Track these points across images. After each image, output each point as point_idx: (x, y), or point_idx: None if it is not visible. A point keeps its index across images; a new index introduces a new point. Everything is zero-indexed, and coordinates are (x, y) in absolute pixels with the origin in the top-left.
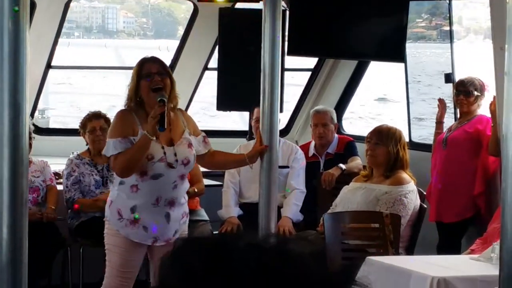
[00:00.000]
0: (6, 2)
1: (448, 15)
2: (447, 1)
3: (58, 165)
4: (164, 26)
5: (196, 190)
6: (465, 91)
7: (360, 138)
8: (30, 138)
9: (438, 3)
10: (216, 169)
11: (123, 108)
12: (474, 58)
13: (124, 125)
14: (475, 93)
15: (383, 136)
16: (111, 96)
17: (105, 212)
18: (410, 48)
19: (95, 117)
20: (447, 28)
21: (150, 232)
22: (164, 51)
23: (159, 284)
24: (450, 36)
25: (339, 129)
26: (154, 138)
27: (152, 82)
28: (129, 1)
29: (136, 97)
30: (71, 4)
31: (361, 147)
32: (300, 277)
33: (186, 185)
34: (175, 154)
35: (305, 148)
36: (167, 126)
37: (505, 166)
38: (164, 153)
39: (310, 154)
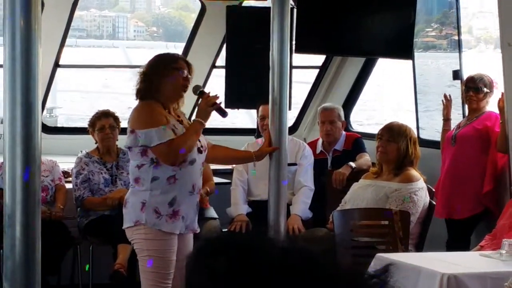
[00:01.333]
0: (18, 2)
1: (456, 23)
2: (455, 9)
3: (66, 163)
4: (175, 35)
5: (208, 189)
6: (475, 87)
7: (366, 135)
8: None
9: (447, 13)
10: (216, 163)
11: (142, 101)
12: (484, 67)
13: (159, 114)
14: (485, 89)
15: (395, 133)
16: (119, 94)
17: (133, 218)
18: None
19: (104, 115)
20: (457, 37)
21: (185, 221)
22: (172, 49)
23: (186, 282)
24: (458, 45)
25: (347, 126)
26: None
27: (185, 79)
28: (139, 10)
29: (158, 90)
30: (82, 13)
31: (368, 144)
32: (325, 279)
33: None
34: (199, 140)
35: (312, 145)
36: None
37: None
38: None
39: (318, 151)
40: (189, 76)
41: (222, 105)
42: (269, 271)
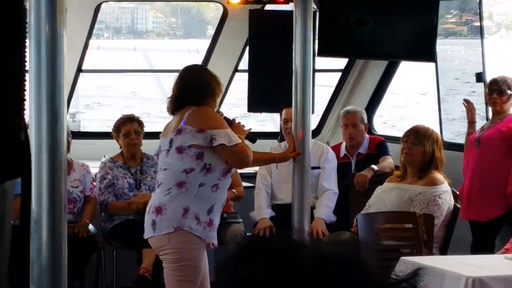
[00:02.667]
0: (43, 8)
1: (478, 10)
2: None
3: (90, 168)
4: (194, 26)
5: (236, 193)
6: (499, 90)
7: (390, 138)
8: (67, 139)
9: None
10: None
11: (205, 105)
12: (506, 54)
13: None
14: (508, 91)
15: (421, 136)
16: (141, 99)
17: (173, 223)
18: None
19: (129, 120)
20: (478, 23)
21: (216, 231)
22: (194, 53)
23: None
24: (480, 32)
25: (370, 129)
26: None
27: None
28: (158, 1)
29: (214, 95)
30: (101, 5)
31: (392, 147)
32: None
33: None
34: None
35: (336, 148)
36: None
37: None
38: None
39: (342, 154)
40: None
41: (237, 106)
42: (307, 277)
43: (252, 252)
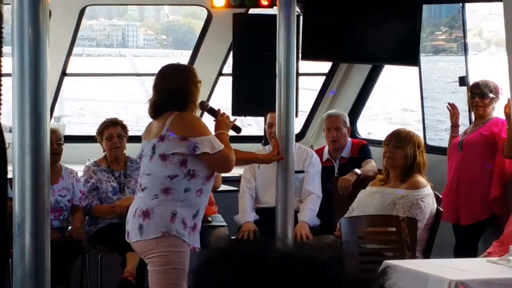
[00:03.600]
0: (26, 13)
1: (462, 27)
2: (460, 5)
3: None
4: (184, 42)
5: None
6: (480, 93)
7: (373, 142)
8: (60, 144)
9: (456, 15)
10: None
11: (186, 111)
12: (495, 69)
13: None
14: (490, 95)
15: (402, 139)
16: (125, 102)
17: (160, 228)
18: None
19: (112, 124)
20: (468, 40)
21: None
22: (178, 56)
23: None
24: (464, 49)
25: (353, 132)
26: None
27: (224, 117)
28: (148, 18)
29: (194, 100)
30: (91, 22)
31: (374, 151)
32: (329, 285)
33: None
34: None
35: (319, 152)
36: None
37: None
38: None
39: (324, 158)
40: None
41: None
42: (274, 278)
43: (221, 256)
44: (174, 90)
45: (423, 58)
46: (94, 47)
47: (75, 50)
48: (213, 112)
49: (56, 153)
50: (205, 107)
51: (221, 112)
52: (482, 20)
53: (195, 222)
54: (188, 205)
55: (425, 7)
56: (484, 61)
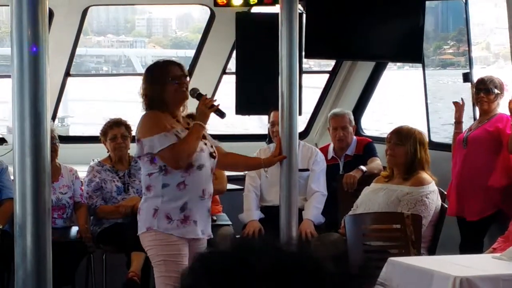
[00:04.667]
0: (25, 11)
1: (465, 22)
2: (463, 2)
3: (79, 172)
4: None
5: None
6: (485, 89)
7: (378, 139)
8: (54, 143)
9: (462, 29)
10: (231, 170)
11: (146, 110)
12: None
13: (161, 121)
14: (495, 90)
15: (403, 136)
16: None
17: (145, 224)
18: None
19: (116, 124)
20: (476, 54)
21: (199, 226)
22: (182, 55)
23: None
24: (469, 62)
25: (358, 130)
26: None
27: (181, 84)
28: (156, 34)
29: (161, 99)
30: (99, 39)
31: (380, 148)
32: (316, 279)
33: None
34: (211, 146)
35: (323, 150)
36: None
37: None
38: (205, 143)
39: (329, 156)
40: (185, 78)
41: (225, 109)
42: (261, 271)
43: (212, 251)
44: (140, 92)
45: (431, 72)
46: (102, 64)
47: (78, 50)
48: (199, 96)
49: (52, 151)
50: (192, 94)
51: (207, 99)
52: (490, 34)
53: (185, 215)
54: (170, 200)
55: (431, 20)
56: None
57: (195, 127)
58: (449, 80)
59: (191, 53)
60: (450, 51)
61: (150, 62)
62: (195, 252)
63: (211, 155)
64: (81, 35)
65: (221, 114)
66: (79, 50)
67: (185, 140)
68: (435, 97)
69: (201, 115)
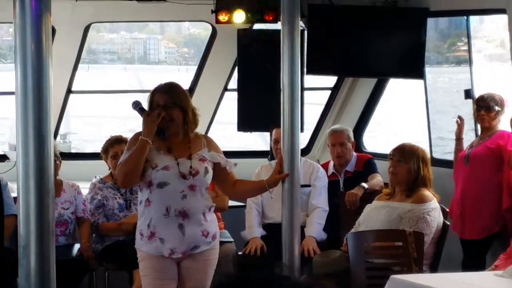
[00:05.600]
0: (29, 35)
1: (467, 37)
2: (465, 18)
3: (81, 189)
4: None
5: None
6: (486, 106)
7: (379, 155)
8: (55, 160)
9: (477, 26)
10: (238, 199)
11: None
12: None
13: (135, 140)
14: (496, 108)
15: (405, 154)
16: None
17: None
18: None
19: (117, 142)
20: (489, 51)
21: (166, 244)
22: (183, 72)
23: None
24: (469, 62)
25: (359, 146)
26: (150, 142)
27: (151, 114)
28: (169, 32)
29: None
30: (112, 36)
31: (381, 164)
32: None
33: (201, 200)
34: (190, 166)
35: (324, 167)
36: (168, 133)
37: None
38: (178, 163)
39: (330, 173)
40: (164, 107)
41: (227, 125)
42: None
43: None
44: None
45: (446, 69)
46: (115, 62)
47: (80, 66)
48: (142, 112)
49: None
50: (133, 107)
51: (149, 113)
52: (503, 31)
53: (151, 231)
54: (141, 216)
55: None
56: (509, 72)
57: (138, 143)
58: (463, 77)
59: (193, 69)
60: (464, 48)
61: (163, 59)
62: (184, 273)
63: (183, 175)
64: (94, 33)
65: (162, 134)
66: (92, 46)
67: (127, 157)
68: (450, 94)
69: (144, 131)
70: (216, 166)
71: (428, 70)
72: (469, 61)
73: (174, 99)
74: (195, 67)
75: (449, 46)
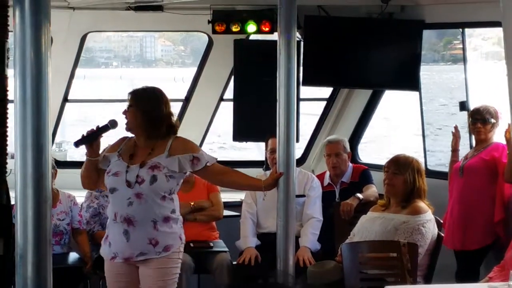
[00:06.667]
0: (28, 45)
1: (462, 48)
2: (460, 31)
3: (76, 198)
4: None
5: (192, 204)
6: (482, 119)
7: (374, 166)
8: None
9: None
10: (227, 187)
11: None
12: None
13: (117, 144)
14: (492, 120)
15: (401, 166)
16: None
17: None
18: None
19: None
20: (486, 49)
21: (112, 247)
22: (179, 82)
23: None
24: (463, 60)
25: (354, 157)
26: (89, 157)
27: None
28: (144, 32)
29: None
30: (109, 34)
31: (375, 175)
32: None
33: (153, 208)
34: (137, 175)
35: (320, 177)
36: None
37: None
38: (126, 171)
39: (325, 183)
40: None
41: (223, 135)
42: None
43: None
44: None
45: (444, 68)
46: (112, 59)
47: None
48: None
49: None
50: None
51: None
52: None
53: (106, 234)
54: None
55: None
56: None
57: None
58: (460, 76)
59: (190, 77)
60: (460, 46)
61: (159, 57)
62: (140, 275)
63: (128, 183)
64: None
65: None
66: (89, 45)
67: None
68: (451, 93)
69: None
70: (194, 163)
71: (423, 68)
72: (463, 59)
73: (131, 101)
74: (191, 68)
75: (445, 44)
